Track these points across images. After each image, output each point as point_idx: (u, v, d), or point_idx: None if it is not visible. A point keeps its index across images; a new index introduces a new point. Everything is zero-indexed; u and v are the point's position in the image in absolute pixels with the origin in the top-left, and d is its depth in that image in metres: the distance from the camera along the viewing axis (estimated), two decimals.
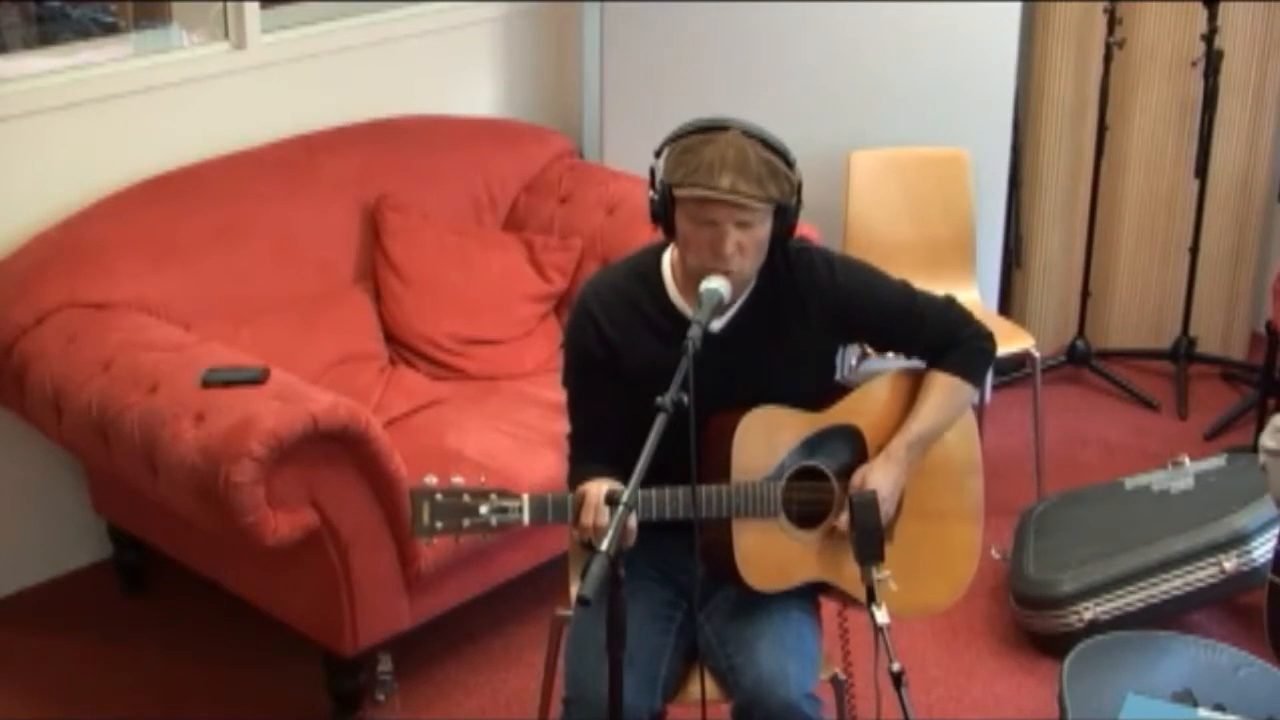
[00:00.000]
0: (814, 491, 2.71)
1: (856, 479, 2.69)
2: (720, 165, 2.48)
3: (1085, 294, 4.94)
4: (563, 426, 2.77)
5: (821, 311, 2.70)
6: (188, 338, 3.44)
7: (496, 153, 4.33)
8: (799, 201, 2.60)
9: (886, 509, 2.66)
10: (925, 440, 2.74)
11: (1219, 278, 4.98)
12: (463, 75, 4.56)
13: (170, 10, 4.15)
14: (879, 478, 2.67)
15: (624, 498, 2.26)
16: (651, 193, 2.60)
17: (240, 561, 3.40)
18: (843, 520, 2.64)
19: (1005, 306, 4.97)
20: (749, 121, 2.56)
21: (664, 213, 2.59)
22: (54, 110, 3.71)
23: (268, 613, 3.43)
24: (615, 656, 2.32)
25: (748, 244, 2.55)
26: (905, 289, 2.78)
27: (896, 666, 2.40)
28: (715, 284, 2.53)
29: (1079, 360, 4.96)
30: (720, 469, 2.62)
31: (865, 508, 2.53)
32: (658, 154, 2.59)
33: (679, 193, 2.54)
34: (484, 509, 2.46)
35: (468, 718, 3.46)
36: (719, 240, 2.52)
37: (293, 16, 4.22)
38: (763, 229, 2.56)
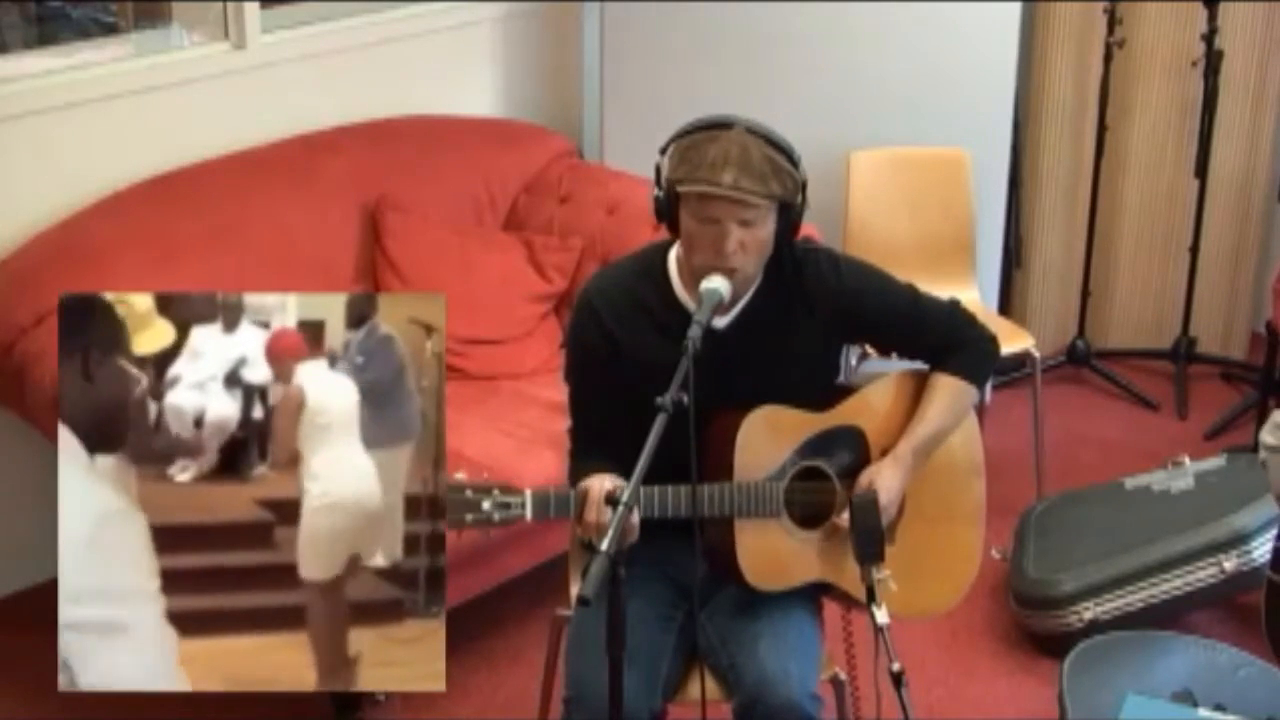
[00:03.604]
0: (816, 492, 2.70)
1: (864, 480, 2.68)
2: (723, 162, 2.48)
3: (1085, 294, 4.94)
4: (563, 426, 2.77)
5: (826, 311, 2.70)
6: None
7: (496, 153, 4.33)
8: (804, 200, 2.60)
9: (890, 512, 2.66)
10: (931, 444, 2.74)
11: (1219, 278, 4.98)
12: (463, 75, 4.56)
13: (170, 10, 4.15)
14: (886, 480, 2.67)
15: (624, 498, 2.26)
16: (657, 190, 2.60)
17: None
18: (843, 519, 2.64)
19: (1005, 306, 4.97)
20: (754, 120, 2.56)
21: (669, 210, 2.59)
22: (54, 110, 3.70)
23: None
24: (615, 656, 2.31)
25: (750, 242, 2.54)
26: (910, 291, 2.78)
27: (897, 666, 2.40)
28: (715, 284, 2.53)
29: (1079, 360, 4.96)
30: (723, 468, 2.62)
31: (865, 508, 2.53)
32: (663, 151, 2.59)
33: (682, 189, 2.54)
34: (486, 504, 2.46)
35: (467, 718, 3.46)
36: (721, 238, 2.52)
37: (293, 16, 4.22)
38: (765, 228, 2.56)
